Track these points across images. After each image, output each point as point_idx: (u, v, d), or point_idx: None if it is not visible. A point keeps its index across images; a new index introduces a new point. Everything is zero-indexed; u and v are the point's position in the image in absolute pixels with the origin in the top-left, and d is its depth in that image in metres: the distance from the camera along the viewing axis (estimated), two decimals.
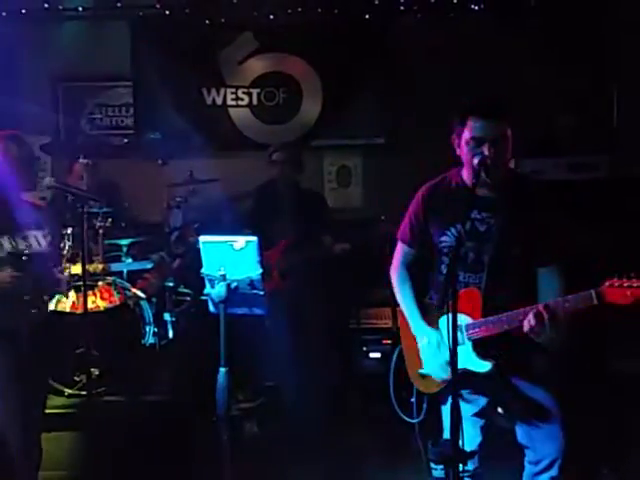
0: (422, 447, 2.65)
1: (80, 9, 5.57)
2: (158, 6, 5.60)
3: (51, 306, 4.23)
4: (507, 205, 2.51)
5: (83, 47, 5.60)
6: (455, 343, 2.24)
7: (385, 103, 5.77)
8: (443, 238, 2.62)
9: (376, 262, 3.44)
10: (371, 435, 3.92)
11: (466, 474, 2.58)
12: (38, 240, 2.98)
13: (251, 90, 5.90)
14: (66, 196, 4.45)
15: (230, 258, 3.16)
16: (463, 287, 2.53)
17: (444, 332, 2.54)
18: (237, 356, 3.17)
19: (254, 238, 3.18)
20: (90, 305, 4.22)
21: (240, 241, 3.16)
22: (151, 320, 4.64)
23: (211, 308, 3.28)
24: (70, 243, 4.49)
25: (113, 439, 3.74)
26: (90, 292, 4.30)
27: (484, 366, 2.49)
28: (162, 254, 4.98)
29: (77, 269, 4.26)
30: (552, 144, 5.03)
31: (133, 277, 4.87)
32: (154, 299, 4.77)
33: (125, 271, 4.82)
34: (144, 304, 4.66)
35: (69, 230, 4.50)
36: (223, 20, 5.76)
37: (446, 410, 2.57)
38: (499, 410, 2.73)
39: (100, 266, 4.39)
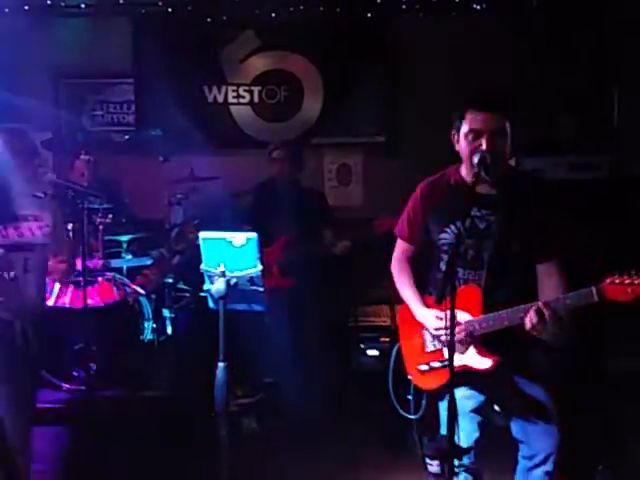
0: (418, 443, 2.66)
1: (82, 6, 5.58)
2: (160, 3, 5.60)
3: (50, 301, 4.26)
4: (507, 202, 2.51)
5: (85, 44, 5.61)
6: (453, 339, 2.25)
7: (386, 101, 5.78)
8: (442, 235, 2.62)
9: (375, 260, 3.44)
10: (369, 431, 3.93)
11: (462, 469, 2.59)
12: (32, 231, 2.98)
13: (252, 88, 5.90)
14: (67, 192, 4.46)
15: (230, 254, 3.17)
16: (463, 284, 2.55)
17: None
18: (236, 352, 3.18)
19: (254, 235, 3.19)
20: (89, 301, 4.23)
21: (240, 238, 3.17)
22: (150, 316, 4.66)
23: (211, 304, 3.29)
24: (70, 239, 4.52)
25: (111, 434, 3.75)
26: (90, 288, 4.30)
27: (484, 362, 2.50)
28: (162, 250, 4.99)
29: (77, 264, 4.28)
30: (553, 143, 5.03)
31: (132, 273, 4.88)
32: (153, 295, 4.78)
33: (125, 267, 4.83)
34: (143, 300, 4.67)
35: (70, 226, 4.51)
36: (225, 18, 5.77)
37: (444, 406, 2.57)
38: (495, 408, 2.74)
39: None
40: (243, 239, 3.18)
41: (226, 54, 5.88)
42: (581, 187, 4.58)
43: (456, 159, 2.64)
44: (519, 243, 2.51)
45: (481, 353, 2.52)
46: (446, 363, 2.47)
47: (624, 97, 5.47)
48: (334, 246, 4.49)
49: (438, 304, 2.51)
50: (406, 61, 5.71)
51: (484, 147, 2.45)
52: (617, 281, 2.25)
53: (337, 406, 4.25)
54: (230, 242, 3.21)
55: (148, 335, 4.63)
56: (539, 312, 2.35)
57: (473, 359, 2.52)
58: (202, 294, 4.49)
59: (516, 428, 2.62)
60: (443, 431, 2.44)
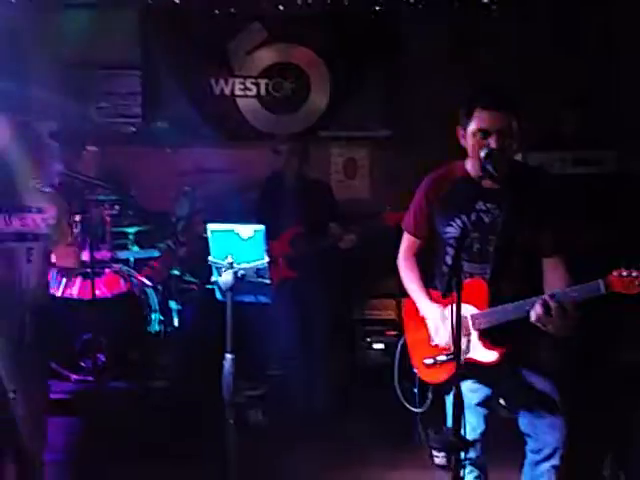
0: (424, 436, 2.68)
1: None
2: None
3: (58, 292, 4.29)
4: (512, 196, 2.51)
5: (92, 35, 5.60)
6: (459, 333, 2.26)
7: (392, 95, 5.77)
8: (448, 229, 2.63)
9: (381, 254, 3.45)
10: (374, 424, 3.95)
11: (468, 462, 2.60)
12: (37, 222, 2.99)
13: (259, 80, 5.90)
14: (74, 184, 4.48)
15: (237, 246, 3.19)
16: (468, 277, 2.55)
17: (449, 322, 2.57)
18: (243, 344, 3.19)
19: (261, 227, 3.20)
20: (97, 292, 4.25)
21: (248, 230, 3.19)
22: (157, 308, 4.68)
23: (218, 296, 3.31)
24: (78, 230, 4.54)
25: (118, 425, 3.78)
26: (97, 279, 4.33)
27: (490, 356, 2.51)
28: (168, 242, 5.01)
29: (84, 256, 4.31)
30: (559, 138, 5.02)
31: (139, 265, 4.91)
32: (160, 287, 4.80)
33: (132, 259, 4.86)
34: (150, 292, 4.69)
35: (77, 217, 4.54)
36: (232, 10, 5.77)
37: (450, 399, 2.59)
38: (501, 402, 2.75)
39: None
40: (250, 231, 3.19)
41: (233, 46, 5.87)
42: (586, 182, 4.58)
43: (462, 154, 2.64)
44: (524, 237, 2.51)
45: (486, 346, 2.53)
46: (452, 356, 2.48)
47: (631, 92, 5.45)
48: (340, 239, 4.50)
49: (444, 298, 2.53)
50: (413, 55, 5.69)
51: (493, 145, 2.46)
52: (624, 274, 2.25)
53: (343, 399, 4.27)
54: (238, 234, 3.22)
55: (155, 327, 4.65)
56: (545, 305, 2.36)
57: (478, 352, 2.53)
58: (209, 286, 4.53)
59: (523, 422, 2.63)
60: (449, 424, 2.45)
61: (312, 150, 4.84)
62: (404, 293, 2.88)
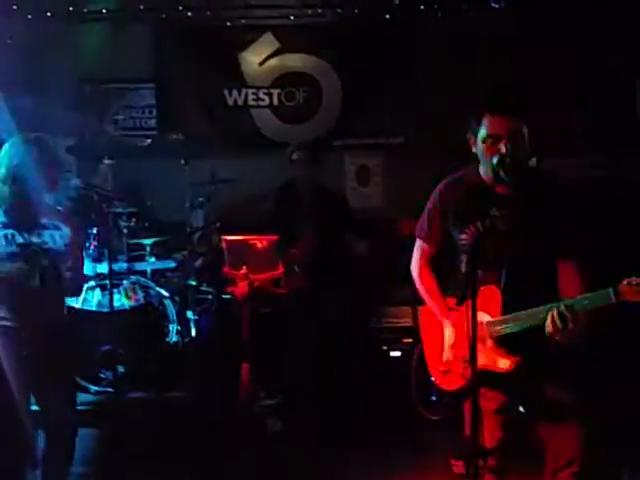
0: (443, 443, 2.67)
1: (104, 11, 5.65)
2: (180, 8, 5.66)
3: (77, 304, 4.33)
4: (526, 202, 2.50)
5: (107, 49, 5.67)
6: (474, 341, 2.26)
7: (405, 102, 5.77)
8: (462, 236, 2.61)
9: (396, 261, 3.46)
10: (392, 432, 3.94)
11: (487, 469, 2.59)
12: (54, 238, 3.03)
13: (272, 90, 5.94)
14: (92, 197, 4.53)
15: (252, 257, 3.22)
16: (482, 285, 2.52)
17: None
18: (259, 353, 3.22)
19: (276, 237, 3.23)
20: (115, 304, 4.29)
21: (262, 240, 3.22)
22: (174, 318, 4.70)
23: (234, 306, 3.34)
24: (96, 243, 4.59)
25: (138, 436, 3.81)
26: (115, 291, 4.37)
27: (504, 363, 2.50)
28: (184, 253, 5.05)
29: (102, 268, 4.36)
30: (573, 142, 5.00)
31: (157, 276, 4.94)
32: (177, 298, 4.83)
33: (149, 270, 4.89)
34: (168, 303, 4.72)
35: (95, 230, 4.59)
36: (244, 21, 5.82)
37: (467, 407, 2.58)
38: (520, 408, 2.74)
39: None
40: (265, 242, 3.23)
41: (245, 57, 5.92)
42: (601, 186, 4.55)
43: (475, 160, 2.64)
44: (538, 243, 2.50)
45: (500, 354, 2.52)
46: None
47: None
48: (354, 247, 4.51)
49: (459, 305, 2.53)
50: (425, 62, 5.70)
51: (503, 151, 2.45)
52: (634, 282, 2.24)
53: (360, 407, 4.27)
54: (252, 245, 3.25)
55: (173, 337, 4.67)
56: (561, 315, 2.35)
57: (492, 360, 2.52)
58: (225, 296, 4.56)
59: (542, 429, 2.62)
60: (467, 432, 2.45)
61: (325, 159, 4.86)
62: (420, 300, 2.88)
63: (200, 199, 5.15)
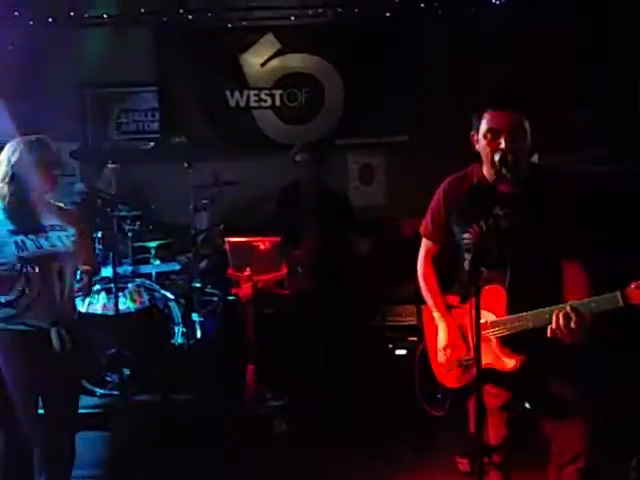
0: (448, 441, 2.67)
1: (105, 16, 5.67)
2: (181, 11, 5.67)
3: (83, 308, 4.35)
4: (529, 200, 2.49)
5: (108, 53, 5.70)
6: (479, 339, 2.26)
7: (407, 101, 5.77)
8: (465, 235, 2.61)
9: (400, 260, 3.46)
10: (398, 431, 3.94)
11: (492, 466, 2.59)
12: (63, 241, 3.04)
13: (274, 91, 5.95)
14: (96, 201, 4.55)
15: (256, 258, 3.23)
16: (487, 284, 2.52)
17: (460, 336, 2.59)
18: (264, 354, 3.23)
19: (279, 239, 3.24)
20: (121, 307, 4.31)
21: (265, 242, 3.22)
22: (180, 320, 4.71)
23: (238, 307, 3.35)
24: (100, 246, 4.61)
25: (144, 438, 3.82)
26: (120, 294, 4.38)
27: (509, 363, 2.50)
28: (189, 256, 5.06)
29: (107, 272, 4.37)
30: (575, 139, 4.98)
31: (161, 279, 4.96)
32: (182, 300, 4.85)
33: (154, 273, 4.91)
34: (173, 305, 4.73)
35: (99, 234, 4.61)
36: (245, 23, 5.83)
37: (471, 404, 2.58)
38: (526, 404, 2.73)
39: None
40: (268, 243, 3.23)
41: (247, 59, 5.94)
42: (603, 182, 4.53)
43: (478, 159, 2.64)
44: (543, 241, 2.48)
45: (505, 353, 2.51)
46: (471, 362, 2.48)
47: None
48: (357, 247, 4.51)
49: (463, 304, 2.53)
50: (426, 60, 5.69)
51: (503, 146, 2.44)
52: None
53: (365, 406, 4.27)
54: (256, 246, 3.26)
55: (178, 339, 4.69)
56: (566, 316, 2.34)
57: (497, 359, 2.52)
58: (230, 298, 4.57)
59: (547, 426, 2.61)
60: (472, 429, 2.45)
61: (329, 158, 4.86)
62: (424, 299, 2.88)
63: (204, 201, 5.17)
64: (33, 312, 2.95)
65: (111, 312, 4.30)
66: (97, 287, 4.48)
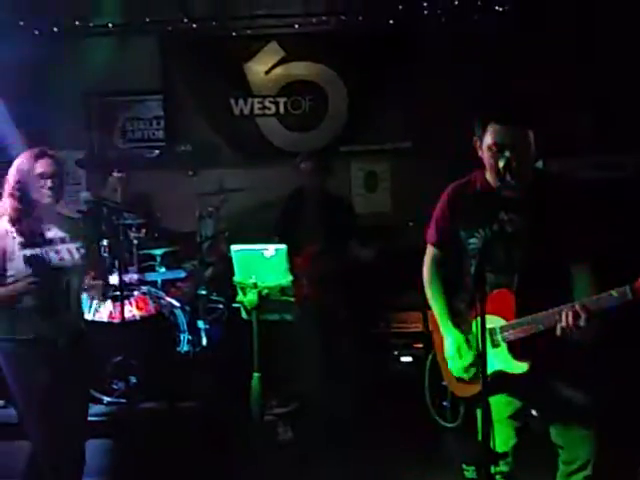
0: (455, 449, 2.66)
1: (110, 25, 5.71)
2: (186, 20, 5.71)
3: (89, 316, 4.36)
4: (534, 205, 2.49)
5: (114, 62, 5.73)
6: (484, 346, 2.25)
7: (411, 108, 5.78)
8: (471, 240, 2.62)
9: (405, 266, 3.46)
10: (403, 439, 3.93)
11: (499, 476, 2.58)
12: (71, 253, 3.05)
13: (278, 99, 5.98)
14: (101, 209, 4.57)
15: (261, 266, 3.23)
16: (495, 289, 2.53)
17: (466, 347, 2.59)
18: (270, 361, 3.23)
19: (283, 246, 3.24)
20: (127, 314, 4.31)
21: (270, 249, 3.23)
22: (185, 328, 4.72)
23: (244, 315, 3.35)
24: (106, 254, 4.63)
25: (150, 445, 3.82)
26: (126, 302, 4.39)
27: (520, 367, 2.49)
28: (194, 263, 5.07)
29: (114, 280, 4.38)
30: (578, 144, 4.98)
31: (167, 286, 4.97)
32: (188, 307, 4.86)
33: (159, 280, 4.92)
34: (178, 312, 4.75)
35: (105, 242, 4.62)
36: (249, 31, 5.86)
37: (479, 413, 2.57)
38: (533, 412, 2.73)
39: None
40: (273, 251, 3.23)
41: (251, 67, 5.96)
42: (607, 187, 4.53)
43: (481, 164, 2.64)
44: (549, 246, 2.48)
45: (516, 357, 2.51)
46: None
47: None
48: (361, 254, 4.52)
49: (470, 309, 2.53)
50: (430, 67, 5.71)
51: (508, 156, 2.45)
52: None
53: (371, 414, 4.26)
54: (261, 254, 3.27)
55: (184, 347, 4.70)
56: (576, 314, 2.34)
57: (508, 364, 2.52)
58: (235, 305, 4.57)
59: (555, 433, 2.61)
60: (479, 436, 2.44)
61: (333, 165, 4.87)
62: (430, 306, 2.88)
63: (209, 209, 5.19)
64: (40, 323, 2.96)
65: (117, 320, 4.31)
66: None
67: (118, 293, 4.22)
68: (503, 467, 2.63)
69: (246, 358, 3.31)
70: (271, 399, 4.28)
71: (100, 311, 4.42)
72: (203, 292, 4.95)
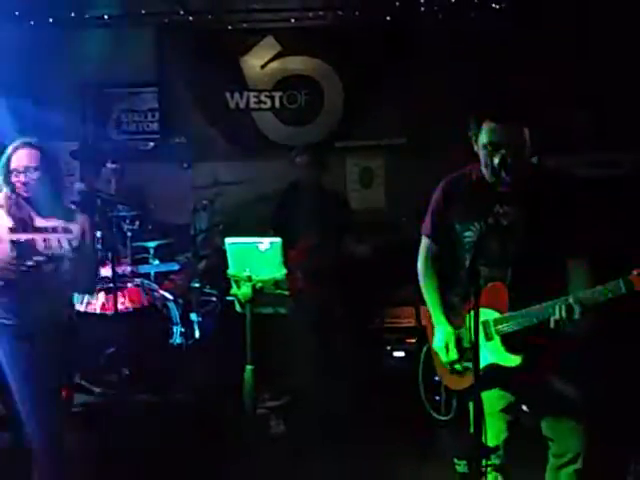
0: (447, 443, 2.67)
1: (106, 17, 5.69)
2: (182, 13, 5.69)
3: (82, 307, 4.35)
4: (530, 199, 2.49)
5: (109, 54, 5.70)
6: (477, 340, 2.26)
7: (407, 104, 5.79)
8: (467, 233, 2.61)
9: (399, 262, 3.47)
10: (396, 433, 3.95)
11: (490, 469, 2.59)
12: (61, 243, 3.04)
13: (273, 93, 5.97)
14: (95, 200, 4.56)
15: (255, 259, 3.23)
16: (489, 282, 2.53)
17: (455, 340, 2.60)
18: (263, 355, 3.23)
19: (278, 239, 3.24)
20: (119, 306, 4.31)
21: (265, 243, 3.23)
22: (178, 320, 4.72)
23: (237, 308, 3.35)
24: (99, 246, 4.62)
25: (142, 437, 3.82)
26: (119, 294, 4.39)
27: (513, 360, 2.50)
28: (188, 256, 5.07)
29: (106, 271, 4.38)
30: (574, 141, 5.00)
31: (160, 279, 4.97)
32: (181, 300, 4.85)
33: (152, 273, 4.92)
34: (171, 305, 4.74)
35: (98, 234, 4.61)
36: (245, 25, 5.85)
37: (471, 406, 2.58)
38: (524, 407, 2.74)
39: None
40: (268, 244, 3.24)
41: (247, 60, 5.95)
42: (603, 184, 4.55)
43: (477, 160, 2.65)
44: (543, 239, 2.48)
45: (510, 350, 2.52)
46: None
47: None
48: (356, 249, 4.53)
49: (463, 302, 2.54)
50: (426, 63, 5.71)
51: (504, 153, 2.45)
52: None
53: (364, 408, 4.28)
54: (255, 247, 3.27)
55: (177, 339, 4.70)
56: (569, 308, 2.35)
57: (502, 357, 2.52)
58: (229, 298, 4.57)
59: (546, 426, 2.61)
60: (471, 430, 2.45)
61: (328, 160, 4.87)
62: (424, 301, 2.88)
63: (203, 202, 5.18)
64: (25, 311, 2.96)
65: (110, 312, 4.30)
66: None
67: (111, 285, 4.23)
68: (494, 460, 2.64)
69: (239, 351, 3.32)
70: (264, 392, 4.29)
71: (92, 303, 4.41)
72: (196, 285, 4.94)
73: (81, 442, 3.44)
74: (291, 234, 4.30)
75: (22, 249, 2.93)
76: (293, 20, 5.80)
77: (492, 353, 2.53)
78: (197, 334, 4.84)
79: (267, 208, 4.88)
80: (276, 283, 3.19)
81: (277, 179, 5.02)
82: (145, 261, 4.97)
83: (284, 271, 3.15)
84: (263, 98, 5.98)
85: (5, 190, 3.03)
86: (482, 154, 2.53)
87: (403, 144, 5.88)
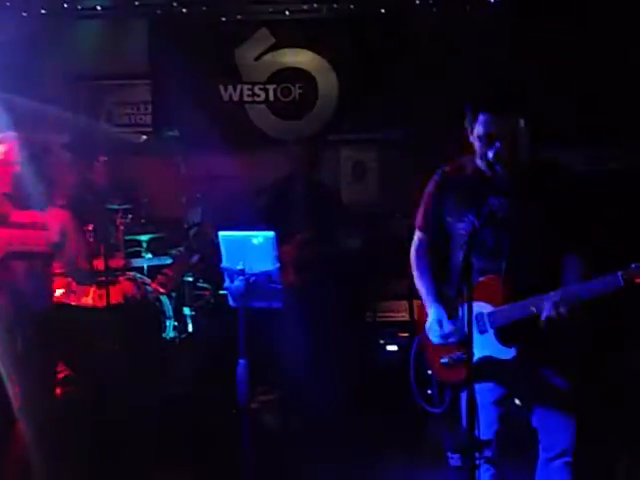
0: (440, 437, 2.67)
1: (98, 8, 5.65)
2: (175, 4, 5.65)
3: (74, 300, 4.33)
4: (525, 190, 2.49)
5: (102, 46, 5.67)
6: (471, 333, 2.26)
7: (401, 97, 5.77)
8: (460, 225, 2.59)
9: (392, 256, 3.46)
10: (389, 426, 3.95)
11: (483, 461, 2.59)
12: (37, 240, 3.03)
13: (267, 86, 5.95)
14: (87, 193, 4.53)
15: (248, 253, 3.22)
16: (483, 274, 2.52)
17: (464, 321, 2.57)
18: (256, 349, 3.22)
19: (271, 233, 3.23)
20: (112, 300, 4.29)
21: (258, 236, 3.21)
22: (171, 314, 4.71)
23: (230, 302, 3.34)
24: (91, 239, 4.59)
25: (134, 430, 3.81)
26: (112, 287, 4.37)
27: (508, 353, 2.50)
28: (181, 249, 5.05)
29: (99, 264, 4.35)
30: (571, 135, 4.99)
31: (153, 272, 4.95)
32: (174, 294, 4.84)
33: (145, 266, 4.90)
34: (164, 299, 4.73)
35: (90, 227, 4.59)
36: (239, 17, 5.81)
37: (465, 398, 2.58)
38: (516, 401, 2.74)
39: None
40: (261, 237, 3.22)
41: (241, 53, 5.92)
42: (598, 178, 4.55)
43: (471, 153, 2.63)
44: (539, 232, 2.48)
45: (504, 343, 2.52)
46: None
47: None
48: (349, 243, 4.52)
49: (457, 295, 2.53)
50: (420, 56, 5.69)
51: (499, 146, 2.44)
52: None
53: (357, 402, 4.28)
54: (248, 241, 3.25)
55: (170, 333, 4.69)
56: (564, 301, 2.34)
57: (496, 349, 2.52)
58: (222, 292, 4.56)
59: (536, 419, 2.62)
60: (464, 424, 2.45)
61: (321, 153, 4.86)
62: (417, 295, 2.88)
63: (197, 195, 5.16)
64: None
65: (102, 305, 4.28)
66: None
67: (104, 278, 4.21)
68: (487, 453, 2.64)
69: (232, 345, 3.30)
70: (257, 386, 4.28)
71: (85, 296, 4.39)
72: (189, 279, 4.93)
73: (73, 434, 3.42)
74: (284, 227, 4.29)
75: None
76: (287, 12, 5.77)
77: (486, 346, 2.53)
78: (190, 328, 4.83)
79: (260, 201, 4.87)
80: (269, 277, 3.17)
81: (271, 172, 4.99)
82: (138, 254, 4.96)
83: (277, 265, 3.14)
84: (257, 91, 5.95)
85: None
86: (477, 145, 2.52)
87: (397, 138, 5.86)
